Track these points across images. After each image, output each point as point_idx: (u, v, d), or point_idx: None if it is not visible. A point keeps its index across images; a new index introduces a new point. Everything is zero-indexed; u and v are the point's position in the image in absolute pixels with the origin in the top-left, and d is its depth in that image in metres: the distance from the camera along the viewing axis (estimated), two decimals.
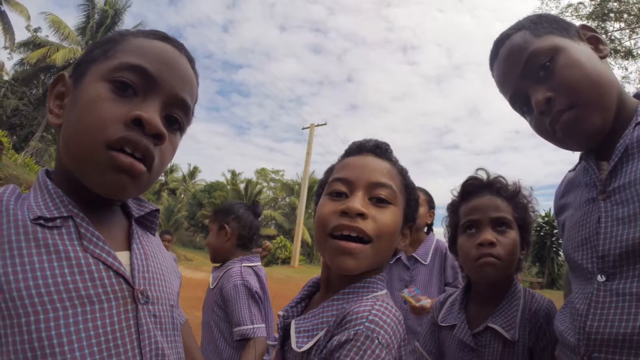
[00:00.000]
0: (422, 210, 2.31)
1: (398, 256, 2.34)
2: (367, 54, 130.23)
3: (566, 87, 0.82)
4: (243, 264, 1.74)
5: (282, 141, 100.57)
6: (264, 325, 1.64)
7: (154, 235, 0.77)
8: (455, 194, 1.26)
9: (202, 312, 1.87)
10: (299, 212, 23.79)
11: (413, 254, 2.33)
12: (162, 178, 46.06)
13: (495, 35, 0.97)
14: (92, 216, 0.62)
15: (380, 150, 0.86)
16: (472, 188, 1.21)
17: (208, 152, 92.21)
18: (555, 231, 19.59)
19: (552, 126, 0.85)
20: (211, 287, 1.82)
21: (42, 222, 0.57)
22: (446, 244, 1.84)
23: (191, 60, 0.72)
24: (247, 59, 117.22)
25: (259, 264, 1.86)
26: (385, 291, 0.80)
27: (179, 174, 46.53)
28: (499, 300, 1.14)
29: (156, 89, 0.62)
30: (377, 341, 0.63)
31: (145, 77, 0.62)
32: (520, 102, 0.93)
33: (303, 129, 25.33)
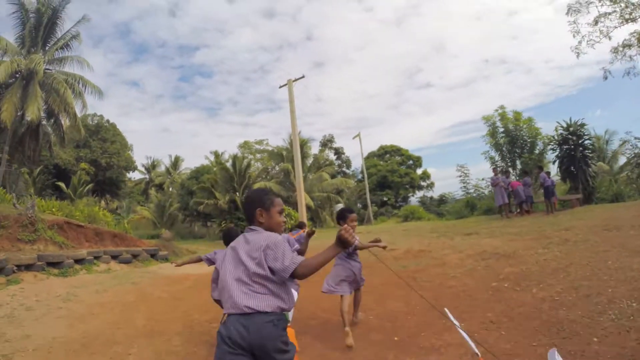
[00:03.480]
0: None
1: None
2: (322, 9, 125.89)
3: None
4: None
5: (255, 114, 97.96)
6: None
7: None
8: None
9: None
10: (296, 176, 21.61)
11: None
12: (146, 176, 44.59)
13: None
14: None
15: None
16: None
17: (185, 141, 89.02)
18: (581, 141, 16.13)
19: None
20: None
21: None
22: None
23: None
24: (202, 38, 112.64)
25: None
26: None
27: (161, 168, 45.09)
28: None
29: None
30: None
31: None
32: None
33: (280, 87, 22.39)
